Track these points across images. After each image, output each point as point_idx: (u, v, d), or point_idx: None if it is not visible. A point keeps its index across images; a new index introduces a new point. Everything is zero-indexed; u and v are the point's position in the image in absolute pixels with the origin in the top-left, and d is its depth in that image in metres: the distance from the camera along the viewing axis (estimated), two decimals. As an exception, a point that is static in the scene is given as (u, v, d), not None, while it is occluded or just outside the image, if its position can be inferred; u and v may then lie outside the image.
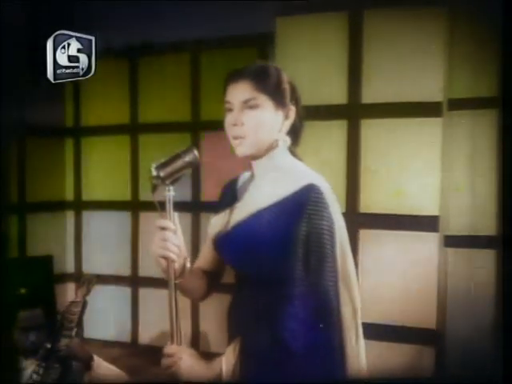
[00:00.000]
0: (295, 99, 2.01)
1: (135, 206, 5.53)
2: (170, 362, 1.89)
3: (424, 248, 3.92)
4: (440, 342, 3.91)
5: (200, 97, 5.04)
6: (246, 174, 2.09)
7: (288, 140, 2.01)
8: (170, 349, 1.90)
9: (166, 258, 1.89)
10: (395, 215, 3.98)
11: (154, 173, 1.89)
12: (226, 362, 1.90)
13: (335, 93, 4.05)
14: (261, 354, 1.86)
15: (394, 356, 4.00)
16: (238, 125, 1.94)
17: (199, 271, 2.11)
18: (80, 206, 6.09)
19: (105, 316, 5.75)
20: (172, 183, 1.90)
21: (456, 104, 4.00)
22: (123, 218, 5.52)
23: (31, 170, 5.81)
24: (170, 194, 1.90)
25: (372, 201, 4.03)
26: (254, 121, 1.93)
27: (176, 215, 1.93)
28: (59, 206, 6.09)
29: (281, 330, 1.82)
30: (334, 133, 4.08)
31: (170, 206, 1.91)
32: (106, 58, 5.75)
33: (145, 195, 5.30)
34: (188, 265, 1.97)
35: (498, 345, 2.63)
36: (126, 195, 5.61)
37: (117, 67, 5.73)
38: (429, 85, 3.81)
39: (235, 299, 2.04)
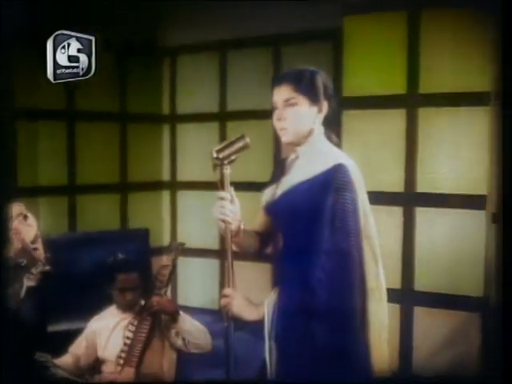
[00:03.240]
0: (328, 96, 2.48)
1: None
2: (226, 301, 2.42)
3: (473, 224, 4.29)
4: (486, 310, 4.24)
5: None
6: (293, 156, 2.56)
7: (322, 128, 2.49)
8: (226, 291, 2.44)
9: (223, 221, 2.43)
10: (447, 194, 4.34)
11: (215, 155, 2.42)
12: (268, 305, 2.39)
13: (395, 84, 4.45)
14: (293, 298, 2.34)
15: (445, 322, 4.36)
16: (281, 119, 2.44)
17: (253, 232, 2.62)
18: (175, 185, 6.60)
19: (196, 285, 6.29)
20: (229, 163, 2.43)
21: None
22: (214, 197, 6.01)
23: (132, 154, 6.37)
24: (226, 171, 2.44)
25: (426, 182, 4.42)
26: (294, 116, 2.43)
27: (232, 188, 2.45)
28: (157, 185, 6.62)
29: (310, 279, 2.30)
30: (395, 121, 4.50)
31: (226, 181, 2.44)
32: (199, 51, 6.33)
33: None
34: (242, 227, 2.49)
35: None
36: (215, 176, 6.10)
37: (207, 60, 6.25)
38: (478, 77, 4.13)
39: (279, 255, 2.54)
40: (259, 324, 2.42)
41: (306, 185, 2.40)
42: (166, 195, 6.66)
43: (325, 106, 2.48)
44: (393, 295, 4.47)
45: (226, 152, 2.43)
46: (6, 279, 2.54)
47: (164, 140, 6.63)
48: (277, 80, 2.49)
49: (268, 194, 2.56)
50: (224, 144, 2.45)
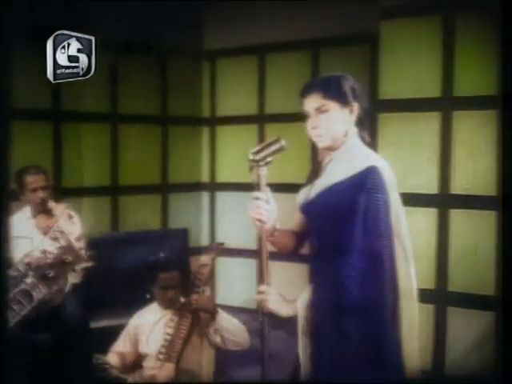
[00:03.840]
0: (357, 96, 2.55)
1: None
2: (261, 297, 2.52)
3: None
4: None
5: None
6: (327, 158, 2.64)
7: (355, 129, 2.57)
8: (261, 288, 2.53)
9: (259, 220, 2.53)
10: (481, 196, 4.39)
11: (251, 157, 2.52)
12: (302, 302, 2.48)
13: (430, 88, 4.51)
14: (326, 295, 2.43)
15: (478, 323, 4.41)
16: (316, 127, 2.53)
17: (288, 232, 2.71)
18: (214, 186, 6.71)
19: (234, 285, 6.38)
20: (265, 165, 2.53)
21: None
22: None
23: (173, 155, 6.49)
24: (262, 172, 2.53)
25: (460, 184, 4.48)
26: (327, 122, 2.51)
27: (268, 188, 2.54)
28: (196, 186, 6.74)
29: (342, 276, 2.38)
30: (429, 123, 4.55)
31: (262, 182, 2.53)
32: (238, 55, 6.43)
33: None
34: (277, 226, 2.59)
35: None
36: (254, 178, 6.17)
37: (247, 63, 6.35)
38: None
39: (313, 254, 2.63)
40: (293, 320, 2.50)
41: (340, 186, 2.48)
42: (205, 196, 6.78)
43: (355, 106, 2.55)
44: (427, 295, 4.55)
45: (262, 154, 2.52)
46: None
47: (204, 142, 6.74)
48: (305, 89, 2.57)
49: (303, 195, 2.64)
50: (260, 146, 2.53)
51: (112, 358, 3.80)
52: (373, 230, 2.41)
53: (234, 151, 6.42)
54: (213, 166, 6.72)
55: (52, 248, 2.66)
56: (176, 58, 6.46)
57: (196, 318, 3.76)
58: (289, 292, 2.60)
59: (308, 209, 2.60)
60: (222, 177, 6.65)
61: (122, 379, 3.66)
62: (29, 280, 2.66)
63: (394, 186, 2.49)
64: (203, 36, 6.51)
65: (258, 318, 2.58)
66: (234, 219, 6.28)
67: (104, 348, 3.89)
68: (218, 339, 3.69)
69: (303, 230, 2.73)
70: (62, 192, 5.18)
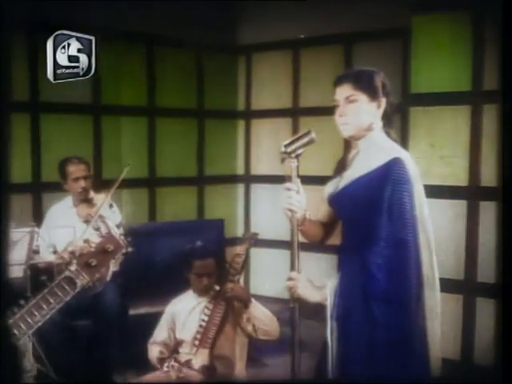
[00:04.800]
0: (386, 93, 2.65)
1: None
2: (291, 284, 2.63)
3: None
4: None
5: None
6: (354, 151, 2.74)
7: (381, 124, 2.67)
8: (292, 274, 2.65)
9: (290, 210, 2.64)
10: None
11: (283, 149, 2.63)
12: (330, 288, 2.58)
13: (461, 82, 4.57)
14: (353, 281, 2.53)
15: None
16: (343, 115, 2.63)
17: (318, 222, 2.82)
18: (249, 179, 6.82)
19: (267, 275, 6.45)
20: (296, 157, 2.63)
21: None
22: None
23: (209, 148, 6.61)
24: (294, 164, 2.64)
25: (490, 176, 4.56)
26: (354, 111, 2.62)
27: (299, 180, 2.65)
28: (232, 179, 6.85)
29: (369, 263, 2.49)
30: (460, 116, 4.63)
31: (294, 173, 2.64)
32: (273, 50, 6.51)
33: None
34: (307, 216, 2.70)
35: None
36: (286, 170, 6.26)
37: (281, 58, 6.45)
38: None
39: (342, 243, 2.74)
40: (322, 305, 2.60)
41: (366, 178, 2.58)
42: (240, 188, 6.89)
43: (383, 102, 2.65)
44: (456, 286, 4.61)
45: (294, 146, 2.63)
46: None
47: (239, 135, 6.85)
48: (338, 79, 2.67)
49: (331, 187, 2.75)
50: (292, 139, 2.64)
51: (155, 348, 3.89)
52: (398, 219, 2.50)
53: (268, 144, 6.51)
54: (248, 159, 6.83)
55: (95, 238, 2.78)
56: (212, 53, 6.56)
57: (230, 306, 3.84)
58: (318, 280, 2.69)
59: (336, 200, 2.71)
60: (257, 169, 6.75)
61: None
62: (73, 268, 2.77)
63: (417, 177, 2.58)
64: (239, 31, 6.61)
65: (289, 304, 2.68)
66: (269, 211, 6.37)
67: (141, 334, 4.00)
68: (249, 328, 3.78)
69: (331, 220, 2.83)
70: (101, 183, 5.30)
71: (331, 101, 2.70)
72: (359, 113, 2.62)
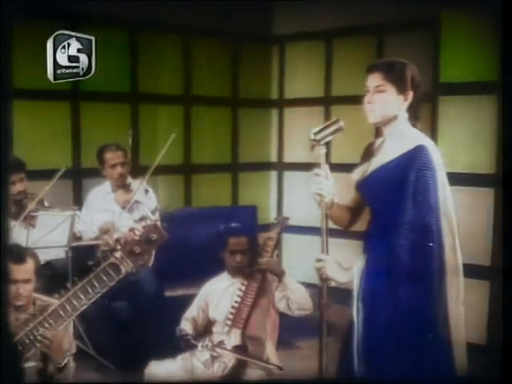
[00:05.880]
0: (414, 86, 2.76)
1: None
2: (320, 265, 2.77)
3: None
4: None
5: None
6: (380, 139, 2.87)
7: (406, 115, 2.78)
8: (320, 256, 2.78)
9: (319, 194, 2.77)
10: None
11: (312, 136, 2.76)
12: (357, 269, 2.72)
13: (488, 72, 4.63)
14: (379, 262, 2.66)
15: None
16: (370, 103, 2.76)
17: (345, 206, 2.95)
18: (282, 166, 6.91)
19: (299, 260, 6.52)
20: (324, 144, 2.77)
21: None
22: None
23: (243, 136, 6.72)
24: (322, 151, 2.77)
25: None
26: (381, 101, 2.74)
27: (327, 166, 2.79)
28: (265, 166, 6.95)
29: (394, 245, 2.61)
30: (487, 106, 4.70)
31: (323, 159, 2.78)
32: (306, 40, 6.59)
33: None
34: (335, 201, 2.83)
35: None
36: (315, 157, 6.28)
37: (314, 48, 6.53)
38: None
39: (369, 227, 2.86)
40: (349, 286, 2.73)
41: (392, 164, 2.71)
42: (273, 175, 6.98)
43: (410, 95, 2.75)
44: (482, 272, 4.66)
45: (323, 134, 2.76)
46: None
47: (272, 123, 6.93)
48: (370, 67, 2.79)
49: (359, 173, 2.88)
50: (321, 127, 2.78)
51: (185, 324, 4.04)
52: (422, 203, 2.62)
53: (300, 132, 6.52)
54: (281, 146, 6.91)
55: (139, 226, 2.94)
56: (247, 43, 6.65)
57: (263, 285, 3.95)
58: (345, 262, 2.80)
59: (364, 185, 2.84)
60: (290, 157, 6.83)
61: (195, 345, 3.79)
62: (118, 254, 2.93)
63: (441, 164, 2.70)
64: (273, 22, 6.69)
65: (317, 284, 2.82)
66: (301, 197, 6.39)
67: (177, 315, 4.12)
68: (283, 304, 3.90)
69: (357, 205, 2.96)
70: (139, 169, 5.43)
71: (362, 90, 2.81)
72: (386, 103, 2.74)
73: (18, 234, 4.42)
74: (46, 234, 4.42)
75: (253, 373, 3.78)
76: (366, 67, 2.82)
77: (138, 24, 5.85)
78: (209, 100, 6.46)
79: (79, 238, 4.75)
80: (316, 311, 3.02)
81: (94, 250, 4.67)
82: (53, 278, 4.43)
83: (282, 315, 4.01)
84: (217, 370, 3.79)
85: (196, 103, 6.37)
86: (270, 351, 3.91)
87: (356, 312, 2.72)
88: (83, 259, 4.44)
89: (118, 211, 4.75)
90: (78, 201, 5.35)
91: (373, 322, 2.70)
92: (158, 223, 3.02)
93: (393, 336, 2.68)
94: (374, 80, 2.75)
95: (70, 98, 5.65)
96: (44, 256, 4.53)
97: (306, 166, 6.14)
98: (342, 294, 2.86)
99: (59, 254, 4.65)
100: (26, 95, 5.07)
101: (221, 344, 3.83)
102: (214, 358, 3.80)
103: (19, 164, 4.67)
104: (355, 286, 2.71)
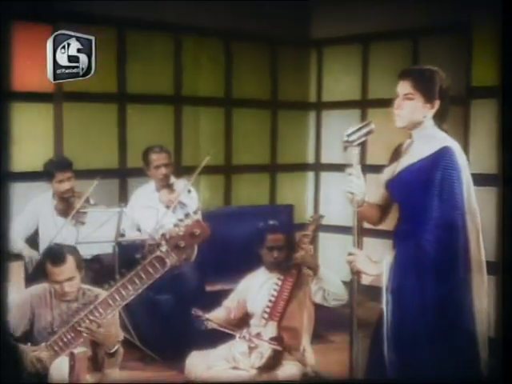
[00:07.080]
0: (442, 95, 2.90)
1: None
2: (351, 258, 2.95)
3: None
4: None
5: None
6: (408, 140, 3.04)
7: (432, 121, 2.92)
8: (352, 250, 2.97)
9: (350, 192, 2.96)
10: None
11: (345, 138, 2.94)
12: (386, 263, 2.88)
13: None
14: (407, 256, 2.82)
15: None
16: (398, 108, 2.93)
17: (375, 205, 3.12)
18: (319, 167, 7.01)
19: (334, 260, 6.62)
20: (357, 145, 2.94)
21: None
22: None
23: (281, 137, 6.85)
24: (355, 151, 2.95)
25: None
26: (409, 108, 2.90)
27: (359, 166, 2.96)
28: (302, 167, 7.05)
29: (421, 240, 2.78)
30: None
31: (355, 160, 2.95)
32: (343, 43, 6.69)
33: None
34: (366, 199, 3.01)
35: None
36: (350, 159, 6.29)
37: (351, 51, 6.65)
38: None
39: (397, 224, 3.03)
40: (378, 279, 2.90)
41: (419, 164, 2.88)
42: (310, 176, 7.10)
43: (437, 104, 2.90)
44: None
45: (355, 136, 2.94)
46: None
47: (310, 125, 7.04)
48: (402, 74, 2.95)
49: (388, 173, 3.05)
50: (353, 129, 2.95)
51: (219, 311, 4.20)
52: (447, 201, 2.78)
53: (337, 134, 6.57)
54: (318, 148, 7.02)
55: (184, 222, 3.14)
56: (286, 47, 6.78)
57: (299, 279, 4.09)
58: (375, 256, 2.96)
59: (393, 184, 3.00)
60: (326, 158, 6.93)
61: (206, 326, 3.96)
62: (163, 248, 3.12)
63: (465, 165, 2.85)
64: (311, 26, 6.80)
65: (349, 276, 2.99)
66: (336, 198, 6.46)
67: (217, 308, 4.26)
68: (319, 296, 4.05)
69: (386, 204, 3.12)
70: (181, 169, 5.62)
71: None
72: (413, 110, 2.90)
73: (66, 231, 4.64)
74: (95, 229, 4.60)
75: (288, 363, 3.91)
76: (398, 72, 2.98)
77: (181, 29, 6.03)
78: (249, 102, 6.59)
79: (122, 235, 4.91)
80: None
81: (138, 245, 4.79)
82: (100, 271, 4.64)
83: (317, 309, 4.14)
84: (254, 360, 3.93)
85: (237, 105, 6.51)
86: (306, 343, 4.04)
87: (385, 304, 2.86)
88: (128, 254, 4.62)
89: (162, 210, 4.93)
90: (124, 199, 5.51)
91: (401, 313, 2.85)
92: (201, 219, 3.20)
93: (420, 326, 2.82)
94: (404, 87, 2.91)
95: (117, 100, 5.83)
96: (92, 251, 4.77)
97: (342, 168, 6.34)
98: (375, 292, 3.00)
99: (106, 248, 4.82)
100: (76, 97, 5.32)
101: (258, 336, 3.97)
102: (251, 349, 3.95)
103: (67, 163, 4.89)
104: (384, 279, 2.86)
